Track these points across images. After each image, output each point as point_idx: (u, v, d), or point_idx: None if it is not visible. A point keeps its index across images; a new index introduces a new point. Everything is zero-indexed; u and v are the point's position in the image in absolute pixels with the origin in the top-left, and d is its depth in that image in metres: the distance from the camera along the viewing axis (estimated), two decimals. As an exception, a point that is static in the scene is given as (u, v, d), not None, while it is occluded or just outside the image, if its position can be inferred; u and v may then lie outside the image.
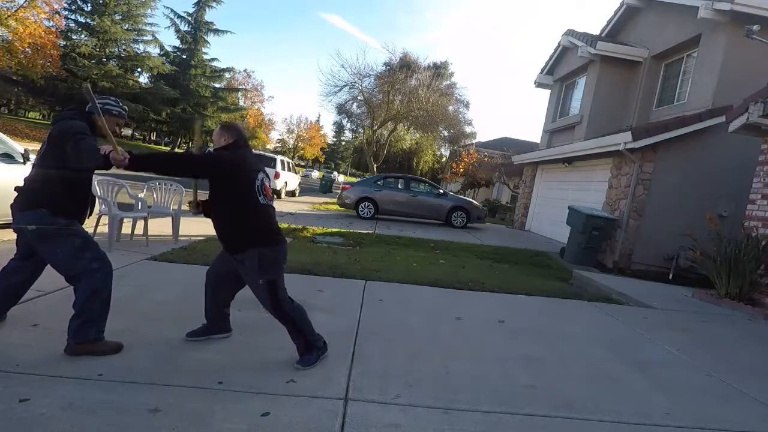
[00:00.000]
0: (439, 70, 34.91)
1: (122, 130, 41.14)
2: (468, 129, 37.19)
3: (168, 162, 2.55)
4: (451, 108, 32.76)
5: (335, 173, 44.71)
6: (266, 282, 2.63)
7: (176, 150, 42.33)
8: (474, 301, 4.84)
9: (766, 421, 2.71)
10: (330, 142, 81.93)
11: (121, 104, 2.85)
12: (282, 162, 17.59)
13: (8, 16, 25.16)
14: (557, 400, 2.67)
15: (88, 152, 2.43)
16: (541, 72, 14.77)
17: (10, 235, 5.31)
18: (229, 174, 2.57)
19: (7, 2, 25.17)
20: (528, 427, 2.36)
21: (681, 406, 2.78)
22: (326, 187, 25.79)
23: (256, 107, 55.82)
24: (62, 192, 2.55)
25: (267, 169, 16.59)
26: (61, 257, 2.58)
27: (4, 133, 5.69)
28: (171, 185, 6.18)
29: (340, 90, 30.88)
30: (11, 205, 2.61)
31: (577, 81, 12.99)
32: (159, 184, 6.14)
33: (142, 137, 52.79)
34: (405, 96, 29.63)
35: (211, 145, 2.94)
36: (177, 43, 40.78)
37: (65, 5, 31.88)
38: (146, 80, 38.47)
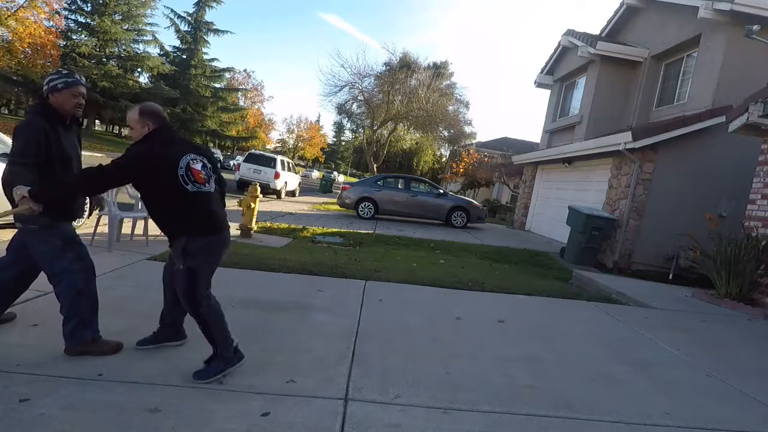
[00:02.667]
0: (439, 70, 34.89)
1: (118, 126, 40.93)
2: (468, 129, 37.24)
3: (84, 183, 2.37)
4: (451, 108, 32.78)
5: (335, 173, 44.71)
6: (186, 269, 2.41)
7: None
8: (474, 301, 4.83)
9: (766, 421, 2.71)
10: (330, 142, 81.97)
11: (65, 72, 2.56)
12: (282, 162, 17.60)
13: (8, 16, 25.16)
14: (557, 400, 2.67)
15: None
16: (541, 72, 14.78)
17: (10, 234, 5.31)
18: (151, 169, 2.37)
19: (7, 2, 25.18)
20: (528, 427, 2.36)
21: (681, 406, 2.78)
22: (326, 187, 25.79)
23: (256, 107, 55.81)
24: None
25: (266, 170, 16.81)
26: (43, 256, 2.55)
27: (4, 133, 5.69)
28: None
29: (340, 90, 30.91)
30: None
31: (577, 81, 12.99)
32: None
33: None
34: (405, 96, 29.63)
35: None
36: (177, 43, 40.86)
37: (65, 5, 31.90)
38: (146, 80, 38.49)
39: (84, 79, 2.67)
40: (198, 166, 2.48)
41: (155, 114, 2.51)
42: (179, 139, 2.61)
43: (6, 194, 2.49)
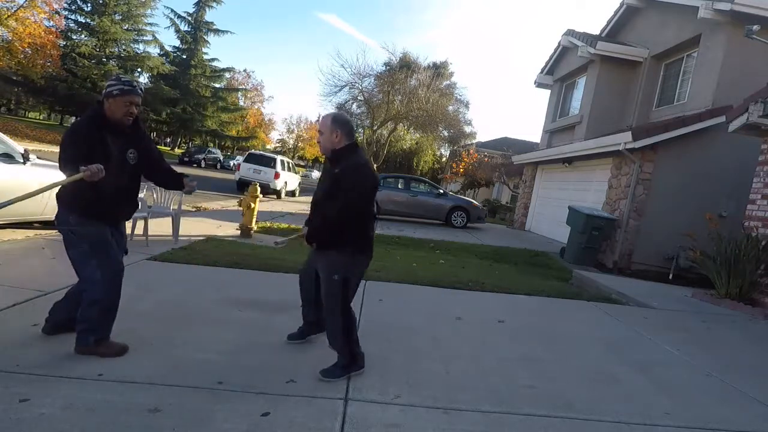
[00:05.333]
0: (438, 70, 34.82)
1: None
2: (468, 129, 37.16)
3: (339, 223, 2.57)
4: (450, 108, 32.71)
5: (335, 173, 44.49)
6: (341, 279, 2.59)
7: (176, 149, 42.30)
8: (474, 301, 4.83)
9: (766, 421, 2.71)
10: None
11: (124, 80, 2.57)
12: (282, 162, 17.61)
13: (8, 16, 25.13)
14: (557, 400, 2.67)
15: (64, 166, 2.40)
16: (541, 72, 14.79)
17: (10, 235, 5.31)
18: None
19: (7, 2, 25.17)
20: (528, 427, 2.36)
21: (681, 406, 2.78)
22: (326, 187, 25.71)
23: (256, 107, 55.80)
24: (77, 188, 2.43)
25: (266, 169, 16.84)
26: (71, 258, 2.55)
27: (4, 133, 5.69)
28: (171, 185, 6.18)
29: (340, 90, 30.81)
30: None
31: (577, 81, 12.99)
32: (159, 184, 6.13)
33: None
34: (405, 96, 29.57)
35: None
36: (177, 43, 40.79)
37: (65, 5, 31.86)
38: (146, 80, 38.44)
39: (142, 88, 2.66)
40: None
41: (345, 124, 2.64)
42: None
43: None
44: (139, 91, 2.58)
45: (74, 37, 33.21)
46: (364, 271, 2.76)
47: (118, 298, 2.60)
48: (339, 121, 2.62)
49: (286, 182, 17.59)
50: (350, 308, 2.70)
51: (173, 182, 2.95)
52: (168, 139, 48.69)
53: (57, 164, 2.54)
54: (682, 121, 8.14)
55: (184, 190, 2.94)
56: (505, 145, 28.55)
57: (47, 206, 5.31)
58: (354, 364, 2.66)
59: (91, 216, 2.52)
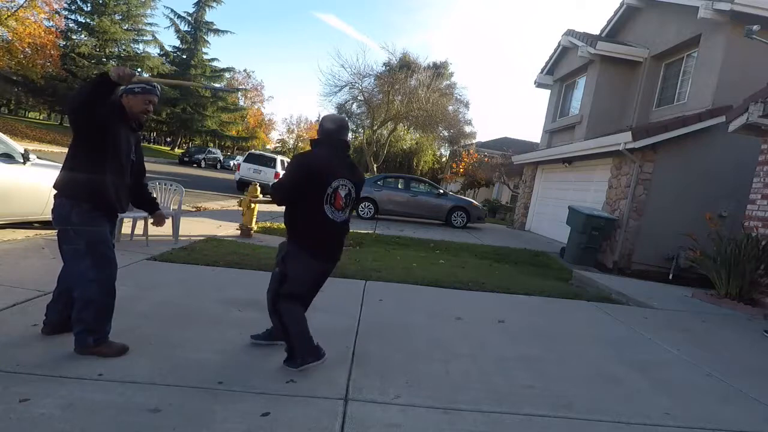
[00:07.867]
0: (438, 70, 34.81)
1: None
2: (468, 129, 37.11)
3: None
4: (450, 108, 32.67)
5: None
6: (280, 272, 2.65)
7: (176, 149, 42.31)
8: (474, 301, 4.83)
9: (766, 421, 2.71)
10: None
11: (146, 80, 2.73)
12: (282, 162, 17.61)
13: (8, 16, 25.15)
14: (557, 400, 2.67)
15: (72, 96, 2.40)
16: (541, 72, 14.79)
17: (10, 235, 5.31)
18: (308, 175, 2.59)
19: (7, 2, 25.17)
20: (528, 427, 2.36)
21: (681, 406, 2.78)
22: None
23: (256, 107, 55.83)
24: (84, 179, 2.42)
25: (266, 169, 16.80)
26: (64, 252, 2.54)
27: (4, 133, 5.69)
28: (171, 185, 6.18)
29: (340, 90, 30.78)
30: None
31: (577, 81, 12.99)
32: (159, 184, 6.13)
33: (142, 137, 52.79)
34: (405, 96, 29.55)
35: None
36: (177, 43, 40.83)
37: (65, 5, 31.90)
38: (146, 80, 38.40)
39: (160, 89, 2.76)
40: (343, 193, 2.65)
41: (322, 124, 2.78)
42: (340, 158, 2.72)
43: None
44: (158, 93, 2.70)
45: (74, 37, 33.23)
46: (310, 269, 2.66)
47: (114, 298, 2.59)
48: (321, 123, 2.80)
49: (286, 182, 17.57)
50: (289, 305, 2.62)
51: (145, 204, 3.03)
52: (168, 139, 48.69)
53: (58, 164, 2.53)
54: (682, 122, 8.14)
55: (153, 220, 3.01)
56: (505, 145, 28.51)
57: (47, 206, 5.31)
58: (294, 359, 2.63)
59: (100, 207, 2.52)
